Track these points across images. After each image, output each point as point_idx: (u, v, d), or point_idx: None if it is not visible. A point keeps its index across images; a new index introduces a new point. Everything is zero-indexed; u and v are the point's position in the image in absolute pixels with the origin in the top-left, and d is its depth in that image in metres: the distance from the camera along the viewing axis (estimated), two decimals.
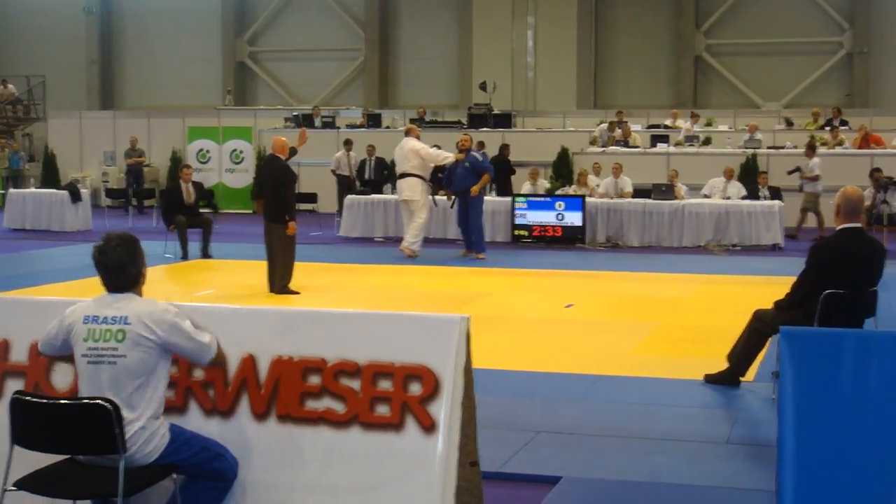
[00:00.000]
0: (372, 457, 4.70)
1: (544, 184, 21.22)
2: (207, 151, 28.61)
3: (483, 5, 31.79)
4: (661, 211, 19.26)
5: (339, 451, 4.75)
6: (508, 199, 19.89)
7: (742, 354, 8.17)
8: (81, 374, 4.61)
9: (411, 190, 16.99)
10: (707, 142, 24.09)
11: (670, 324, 11.35)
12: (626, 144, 23.96)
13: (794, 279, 7.73)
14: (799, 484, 4.61)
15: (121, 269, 4.65)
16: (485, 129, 25.65)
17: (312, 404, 4.81)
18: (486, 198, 18.19)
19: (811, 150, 20.85)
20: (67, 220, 21.74)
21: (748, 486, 6.04)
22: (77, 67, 36.15)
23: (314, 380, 4.83)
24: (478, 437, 4.85)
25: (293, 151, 13.71)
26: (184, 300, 6.29)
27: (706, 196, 19.75)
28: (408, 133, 17.46)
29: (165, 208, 17.23)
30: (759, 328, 7.97)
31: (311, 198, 22.16)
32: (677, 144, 23.91)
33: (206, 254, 16.70)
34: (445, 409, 4.64)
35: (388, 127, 27.06)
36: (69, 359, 4.96)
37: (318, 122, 27.50)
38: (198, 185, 17.68)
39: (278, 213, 13.11)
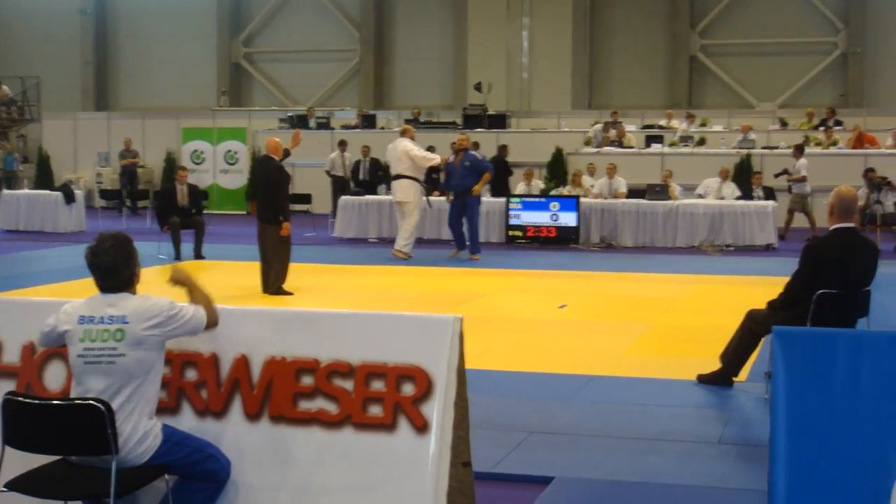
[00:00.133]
0: (365, 457, 4.70)
1: (539, 184, 21.24)
2: (202, 152, 28.61)
3: (478, 6, 31.78)
4: (655, 211, 19.27)
5: (331, 451, 4.75)
6: (503, 199, 19.89)
7: (735, 354, 8.18)
8: (77, 374, 4.60)
9: (403, 192, 16.97)
10: (702, 142, 24.13)
11: (664, 324, 11.36)
12: (621, 145, 23.98)
13: (787, 279, 7.74)
14: (791, 484, 4.62)
15: (114, 269, 4.64)
16: (480, 129, 25.65)
17: (305, 405, 4.81)
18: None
19: (798, 150, 20.89)
20: (61, 221, 21.73)
21: (740, 486, 6.04)
22: (72, 68, 36.11)
23: (307, 380, 4.83)
24: (470, 437, 4.85)
25: (287, 153, 13.69)
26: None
27: (700, 196, 19.76)
28: (403, 133, 17.43)
29: (159, 209, 17.22)
30: (752, 328, 7.98)
31: (306, 199, 22.16)
32: (672, 145, 23.93)
33: (198, 255, 16.70)
34: (438, 410, 4.65)
35: (382, 128, 27.07)
36: (62, 359, 4.96)
37: (312, 122, 27.49)
38: (193, 188, 17.65)
39: (272, 214, 13.12)
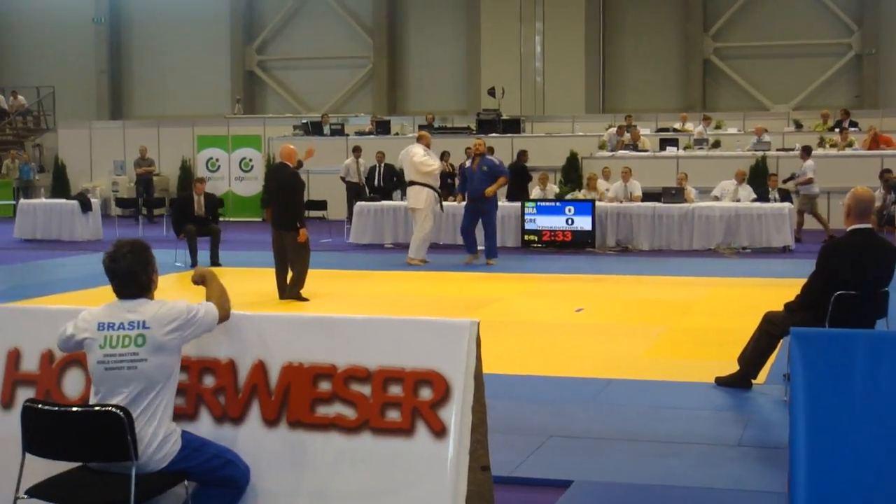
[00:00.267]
0: (383, 462, 4.70)
1: (554, 188, 21.21)
2: (217, 160, 28.68)
3: (491, 11, 31.81)
4: (670, 214, 19.23)
5: (349, 456, 4.75)
6: (518, 203, 19.87)
7: (753, 357, 8.15)
8: (97, 380, 4.61)
9: (414, 199, 17.01)
10: (716, 145, 24.08)
11: (681, 327, 11.33)
12: (636, 148, 23.96)
13: (804, 281, 7.72)
14: (811, 486, 4.60)
15: (131, 275, 4.65)
16: (494, 134, 25.64)
17: (323, 410, 4.81)
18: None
19: (805, 152, 20.88)
20: (78, 230, 21.80)
21: (760, 488, 6.02)
22: (86, 78, 36.26)
23: (325, 386, 4.83)
24: (489, 441, 4.84)
25: (299, 164, 13.74)
26: None
27: (716, 198, 19.71)
28: (418, 140, 17.41)
29: (175, 217, 17.28)
30: (770, 330, 7.95)
31: (321, 205, 22.20)
32: (686, 148, 23.89)
33: (214, 262, 16.73)
34: (456, 414, 4.64)
35: (396, 133, 27.09)
36: (80, 366, 4.98)
37: (326, 129, 27.54)
38: (210, 197, 17.70)
39: (290, 221, 13.11)
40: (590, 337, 10.91)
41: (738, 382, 8.24)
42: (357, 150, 24.16)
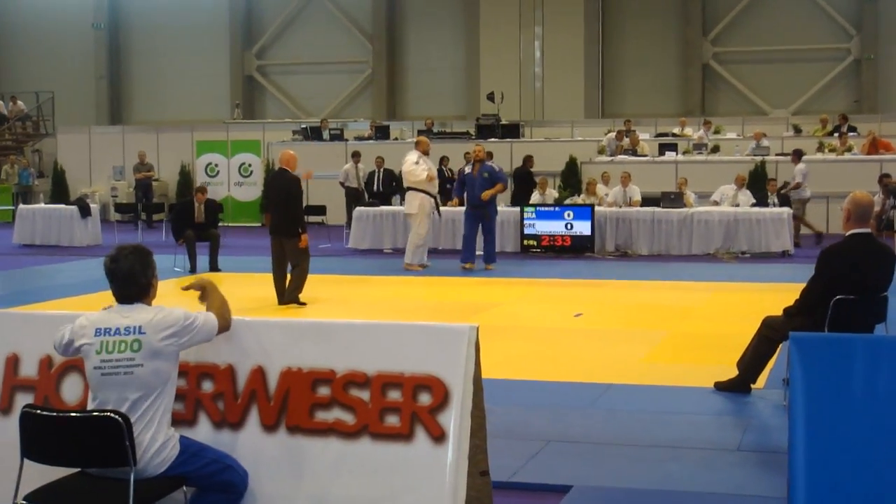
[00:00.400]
0: (382, 467, 4.70)
1: (553, 193, 21.21)
2: (216, 165, 28.68)
3: (490, 16, 31.84)
4: (669, 219, 19.24)
5: (348, 461, 4.75)
6: (517, 209, 19.87)
7: (752, 361, 8.15)
8: (94, 386, 4.61)
9: (408, 204, 17.08)
10: (715, 149, 24.09)
11: (680, 332, 11.33)
12: (635, 153, 23.96)
13: (803, 286, 7.72)
14: (810, 490, 4.60)
15: (131, 277, 4.66)
16: (493, 139, 25.65)
17: (322, 415, 4.82)
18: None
19: (797, 156, 20.92)
20: (77, 236, 21.79)
21: (759, 493, 6.01)
22: (86, 83, 36.29)
23: (323, 391, 4.83)
24: (488, 446, 4.84)
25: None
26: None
27: (716, 203, 19.72)
28: (416, 145, 17.42)
29: (175, 223, 17.29)
30: (769, 335, 7.95)
31: (320, 210, 22.19)
32: (686, 153, 23.90)
33: (213, 267, 16.74)
34: (455, 419, 4.64)
35: (396, 139, 27.08)
36: (79, 372, 4.98)
37: (326, 134, 27.53)
38: (210, 202, 17.70)
39: (290, 227, 13.09)
40: (589, 342, 10.90)
41: (738, 387, 8.24)
42: (356, 156, 24.16)
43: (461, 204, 17.47)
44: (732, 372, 8.30)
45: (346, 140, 27.13)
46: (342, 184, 23.89)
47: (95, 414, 4.44)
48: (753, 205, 19.39)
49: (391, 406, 4.73)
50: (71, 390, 5.09)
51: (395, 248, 19.69)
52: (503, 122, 26.94)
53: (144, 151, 28.21)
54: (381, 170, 23.45)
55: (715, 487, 6.12)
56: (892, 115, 27.92)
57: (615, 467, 6.51)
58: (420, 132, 25.41)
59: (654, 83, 32.32)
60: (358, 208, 20.92)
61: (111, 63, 36.53)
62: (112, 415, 4.36)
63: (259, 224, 26.49)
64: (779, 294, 10.35)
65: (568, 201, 20.39)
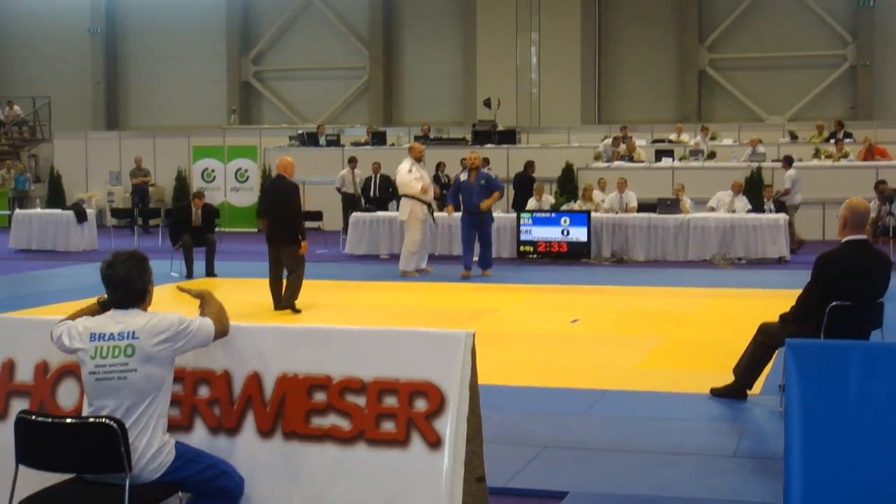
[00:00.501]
0: (378, 473, 4.70)
1: (549, 199, 21.22)
2: (212, 170, 28.67)
3: (487, 22, 31.86)
4: (666, 225, 19.25)
5: (344, 467, 4.75)
6: (513, 215, 19.88)
7: (748, 368, 8.15)
8: (89, 391, 4.61)
9: (402, 211, 17.12)
10: (712, 155, 24.11)
11: (676, 338, 11.34)
12: (631, 159, 23.98)
13: (799, 292, 7.72)
14: (806, 497, 4.60)
15: (128, 283, 4.66)
16: (489, 145, 25.68)
17: (318, 421, 4.81)
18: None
19: (787, 163, 20.96)
20: (73, 241, 21.78)
21: (755, 499, 6.01)
22: (82, 88, 36.27)
23: (320, 397, 4.83)
24: (484, 452, 4.84)
25: None
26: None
27: (712, 209, 19.74)
28: (409, 151, 17.43)
29: (173, 227, 17.29)
30: (765, 341, 7.95)
31: (317, 216, 22.19)
32: (682, 159, 23.92)
33: (210, 272, 16.74)
34: (451, 425, 4.64)
35: (392, 144, 27.09)
36: (75, 377, 4.97)
37: (322, 140, 27.54)
38: (207, 207, 17.70)
39: (288, 235, 13.05)
40: (585, 348, 10.90)
41: (734, 393, 8.24)
42: (353, 161, 24.16)
43: (457, 210, 17.46)
44: (728, 378, 8.30)
45: (343, 146, 27.14)
46: (339, 189, 23.90)
47: (91, 420, 4.44)
48: (749, 211, 19.41)
49: (387, 412, 4.73)
50: (66, 396, 5.08)
51: (392, 254, 19.68)
52: (500, 128, 26.96)
53: (141, 157, 28.21)
54: (378, 175, 23.45)
55: (711, 494, 6.12)
56: (888, 122, 27.97)
57: (611, 473, 6.51)
58: (417, 138, 25.42)
59: (650, 89, 32.34)
60: (354, 214, 20.93)
61: (108, 68, 36.52)
62: (107, 421, 4.36)
63: (255, 229, 26.51)
64: (775, 300, 10.34)
65: (564, 207, 20.40)
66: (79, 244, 21.75)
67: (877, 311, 7.57)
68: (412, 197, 16.93)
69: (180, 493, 4.63)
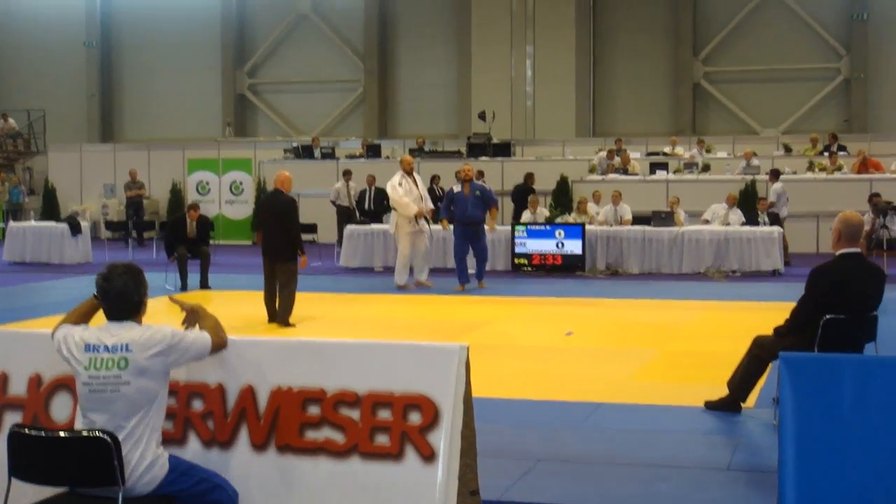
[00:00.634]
0: (371, 486, 4.69)
1: (544, 212, 21.24)
2: (207, 183, 28.66)
3: (482, 35, 31.92)
4: (660, 238, 19.26)
5: (338, 481, 4.75)
6: (508, 227, 19.88)
7: (742, 381, 8.15)
8: (82, 403, 4.61)
9: (392, 224, 17.13)
10: (706, 168, 24.15)
11: (670, 351, 11.33)
12: (626, 172, 24.02)
13: (793, 305, 7.72)
14: None
15: (124, 295, 4.66)
16: (484, 157, 25.70)
17: (312, 434, 4.81)
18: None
19: (774, 176, 21.01)
20: (67, 253, 21.75)
21: None
22: (77, 101, 36.28)
23: (314, 410, 4.83)
24: (478, 465, 4.84)
25: None
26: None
27: (707, 221, 19.76)
28: (400, 164, 17.42)
29: (168, 239, 17.28)
30: (759, 354, 7.94)
31: (311, 228, 22.19)
32: (676, 171, 23.96)
33: (204, 284, 16.73)
34: (445, 438, 4.64)
35: (387, 157, 27.11)
36: (68, 391, 4.96)
37: (317, 152, 27.56)
38: (202, 219, 17.68)
39: (285, 251, 13.01)
40: (579, 360, 10.89)
41: (728, 406, 8.23)
42: (347, 174, 24.19)
43: (450, 222, 17.44)
44: (723, 391, 8.29)
45: (338, 158, 27.16)
46: (333, 202, 23.91)
47: (85, 433, 4.43)
48: (744, 224, 19.44)
49: (381, 425, 4.72)
50: (60, 409, 5.07)
51: (387, 267, 19.67)
52: (494, 140, 26.99)
53: (136, 169, 28.21)
54: (373, 188, 23.47)
55: None
56: (881, 135, 28.04)
57: (605, 486, 6.50)
58: (411, 151, 25.47)
59: (645, 102, 32.41)
60: (349, 227, 20.92)
61: (103, 81, 36.54)
62: (101, 434, 4.35)
63: (250, 242, 26.50)
64: (769, 313, 10.36)
65: (559, 220, 20.41)
66: (73, 257, 21.72)
67: (871, 325, 7.57)
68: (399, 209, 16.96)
69: None
